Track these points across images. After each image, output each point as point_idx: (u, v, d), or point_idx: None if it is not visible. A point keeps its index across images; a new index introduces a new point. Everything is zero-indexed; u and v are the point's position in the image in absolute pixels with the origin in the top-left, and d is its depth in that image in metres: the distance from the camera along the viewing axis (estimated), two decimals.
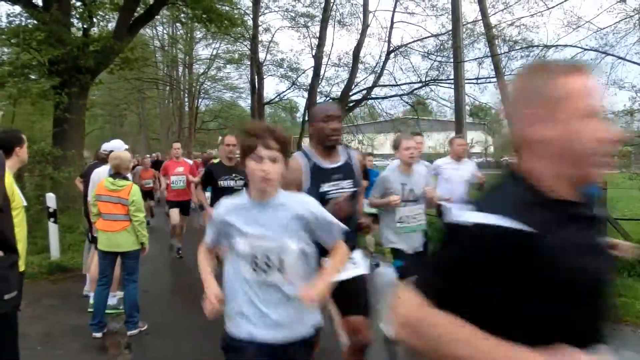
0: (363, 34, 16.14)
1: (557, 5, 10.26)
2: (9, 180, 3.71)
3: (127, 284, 5.12)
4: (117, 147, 6.32)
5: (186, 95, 29.50)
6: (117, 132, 42.18)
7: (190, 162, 9.45)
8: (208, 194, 6.50)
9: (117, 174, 5.13)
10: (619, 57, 8.86)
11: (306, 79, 20.44)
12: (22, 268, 3.73)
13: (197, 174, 8.36)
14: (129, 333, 5.10)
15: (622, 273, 6.48)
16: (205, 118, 31.60)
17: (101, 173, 5.89)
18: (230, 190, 5.50)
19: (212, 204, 5.81)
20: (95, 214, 5.17)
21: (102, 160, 6.82)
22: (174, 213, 8.76)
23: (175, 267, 8.49)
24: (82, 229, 9.82)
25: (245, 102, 33.72)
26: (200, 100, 29.60)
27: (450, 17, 15.02)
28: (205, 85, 28.67)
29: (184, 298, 6.64)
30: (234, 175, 5.80)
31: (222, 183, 5.75)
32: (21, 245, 3.76)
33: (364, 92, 17.19)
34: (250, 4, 19.59)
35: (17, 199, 3.77)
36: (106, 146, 6.83)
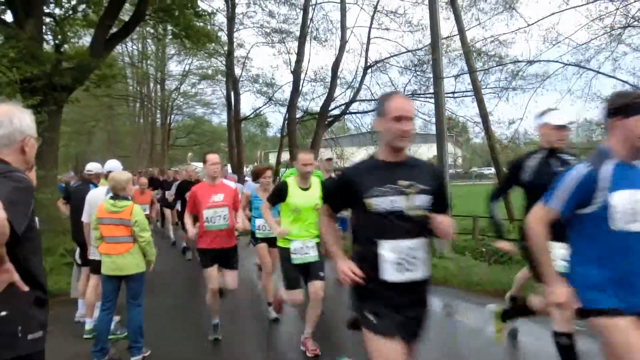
0: (341, 50, 16.30)
1: (536, 22, 10.62)
2: None
3: (132, 309, 4.96)
4: (114, 167, 6.18)
5: (158, 111, 29.14)
6: (84, 150, 41.39)
7: (233, 184, 6.05)
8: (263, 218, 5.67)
9: (116, 195, 5.00)
10: (597, 71, 9.23)
11: (282, 94, 20.50)
12: None
13: (238, 204, 5.73)
14: (132, 359, 4.93)
15: None
16: (179, 134, 31.25)
17: (98, 195, 5.74)
18: (399, 221, 2.58)
19: (359, 256, 2.73)
20: (98, 238, 5.01)
21: (87, 181, 6.66)
22: (212, 273, 5.42)
23: (176, 289, 8.26)
24: (62, 251, 9.55)
25: (219, 118, 33.55)
26: (172, 116, 29.32)
27: (425, 33, 15.40)
28: (178, 102, 28.43)
29: (186, 321, 6.49)
30: (398, 183, 2.61)
31: (379, 202, 2.58)
32: None
33: (342, 107, 17.33)
34: (225, 20, 19.55)
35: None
36: (92, 167, 6.68)
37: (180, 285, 8.62)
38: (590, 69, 9.30)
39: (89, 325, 5.76)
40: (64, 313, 6.74)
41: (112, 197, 5.02)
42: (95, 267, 5.73)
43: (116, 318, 5.73)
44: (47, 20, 12.60)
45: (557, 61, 9.55)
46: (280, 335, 5.97)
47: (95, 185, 6.36)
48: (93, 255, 5.72)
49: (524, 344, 5.24)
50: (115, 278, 4.94)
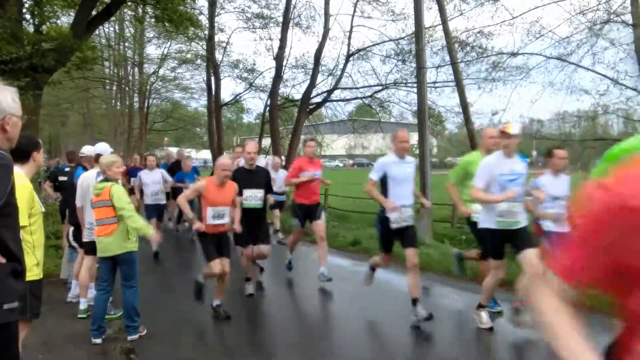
0: (324, 37, 16.33)
1: (520, 15, 10.83)
2: (29, 186, 3.66)
3: (125, 290, 5.07)
4: (103, 150, 6.20)
5: (136, 94, 28.73)
6: (58, 133, 40.65)
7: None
8: None
9: (104, 179, 5.16)
10: (577, 65, 9.53)
11: (262, 80, 20.46)
12: (40, 275, 3.69)
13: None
14: (129, 338, 5.06)
15: None
16: (157, 119, 30.90)
17: (89, 178, 5.81)
18: None
19: None
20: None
21: (77, 163, 6.70)
22: None
23: (172, 267, 8.32)
24: (47, 233, 9.49)
25: (197, 103, 33.21)
26: (150, 100, 28.93)
27: (408, 22, 15.57)
28: (157, 85, 28.06)
29: (182, 299, 6.59)
30: None
31: None
32: (40, 252, 3.71)
33: (324, 94, 17.40)
34: (206, 4, 19.37)
35: (37, 205, 3.72)
36: (86, 149, 6.70)
37: (175, 261, 8.71)
38: (571, 63, 9.60)
39: (83, 305, 5.86)
40: (56, 293, 6.80)
41: (100, 182, 5.15)
42: (88, 248, 5.81)
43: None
44: None
45: (539, 54, 9.82)
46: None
47: (85, 169, 6.40)
48: (87, 237, 5.80)
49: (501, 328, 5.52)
50: (109, 259, 5.05)
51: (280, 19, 17.40)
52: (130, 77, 28.91)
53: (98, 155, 5.96)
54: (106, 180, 5.14)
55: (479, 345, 5.03)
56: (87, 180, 5.83)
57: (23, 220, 3.53)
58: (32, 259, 3.61)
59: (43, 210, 3.80)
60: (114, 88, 30.37)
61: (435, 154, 52.11)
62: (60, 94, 27.71)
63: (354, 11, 16.44)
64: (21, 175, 3.67)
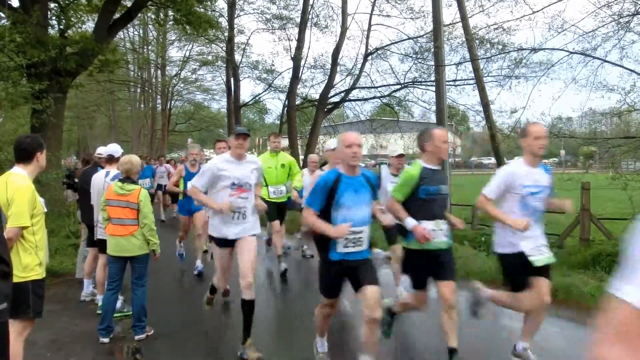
0: (342, 36, 16.25)
1: (541, 9, 10.44)
2: (31, 186, 3.70)
3: (136, 289, 5.10)
4: (115, 151, 6.25)
5: (159, 96, 29.18)
6: (86, 135, 41.52)
7: None
8: None
9: (127, 178, 5.11)
10: (603, 60, 9.15)
11: (281, 80, 20.55)
12: (43, 275, 3.73)
13: None
14: (136, 337, 5.07)
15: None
16: (179, 120, 31.33)
17: (99, 178, 5.87)
18: None
19: None
20: (105, 219, 5.14)
21: (95, 164, 6.76)
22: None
23: (181, 269, 8.35)
24: (67, 233, 9.69)
25: (218, 104, 33.55)
26: (173, 101, 29.35)
27: (427, 20, 15.40)
28: (179, 87, 28.46)
29: (191, 300, 6.61)
30: None
31: None
32: (42, 252, 3.75)
33: (342, 94, 17.33)
34: (226, 6, 19.54)
35: (39, 205, 3.77)
36: (102, 150, 6.76)
37: (184, 263, 8.71)
38: (596, 58, 9.16)
39: (102, 301, 5.87)
40: (71, 292, 6.92)
41: (120, 180, 5.14)
42: (103, 246, 5.85)
43: (120, 298, 5.86)
44: (52, 5, 12.68)
45: (562, 49, 9.40)
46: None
47: (103, 168, 6.45)
48: (100, 235, 5.84)
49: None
50: (121, 259, 5.08)
51: (299, 20, 17.40)
52: (154, 80, 29.36)
53: (110, 157, 6.03)
54: (133, 182, 5.17)
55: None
56: (99, 179, 5.91)
57: (25, 220, 3.59)
58: (35, 259, 3.66)
59: (45, 210, 3.84)
60: (138, 90, 30.89)
61: (460, 154, 51.54)
62: (87, 97, 28.36)
63: (372, 9, 16.33)
64: (24, 176, 3.73)
